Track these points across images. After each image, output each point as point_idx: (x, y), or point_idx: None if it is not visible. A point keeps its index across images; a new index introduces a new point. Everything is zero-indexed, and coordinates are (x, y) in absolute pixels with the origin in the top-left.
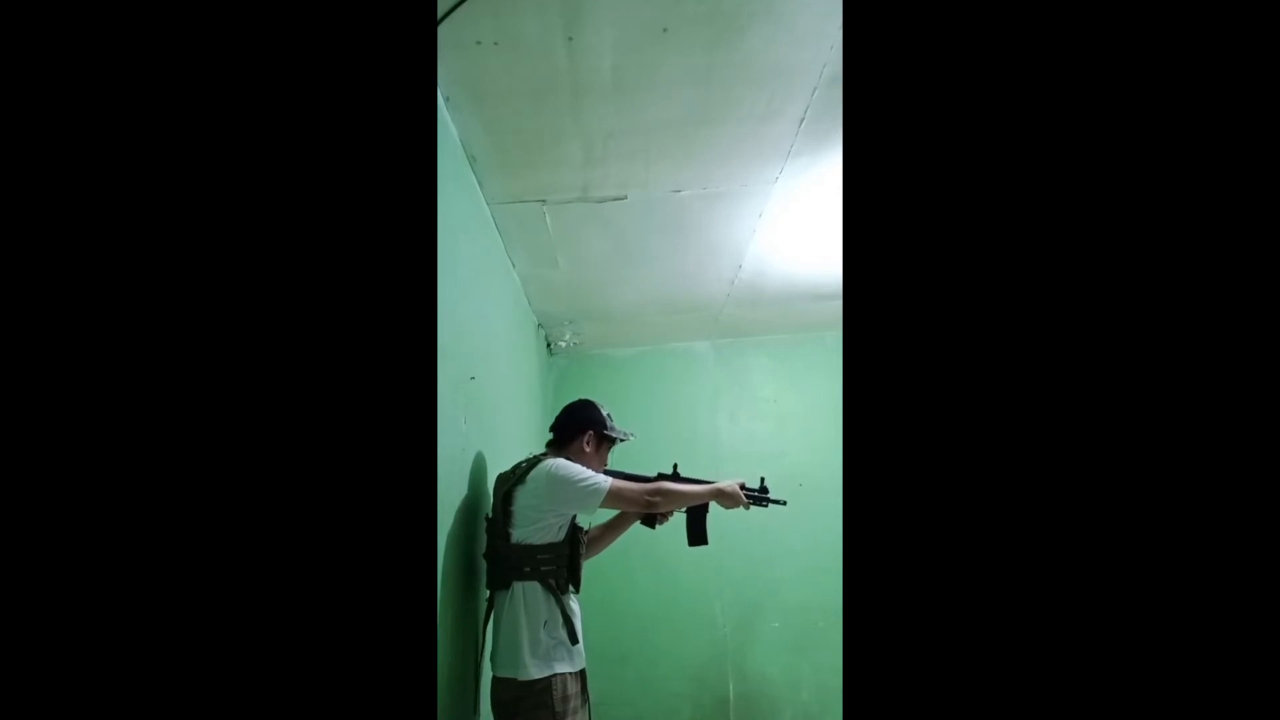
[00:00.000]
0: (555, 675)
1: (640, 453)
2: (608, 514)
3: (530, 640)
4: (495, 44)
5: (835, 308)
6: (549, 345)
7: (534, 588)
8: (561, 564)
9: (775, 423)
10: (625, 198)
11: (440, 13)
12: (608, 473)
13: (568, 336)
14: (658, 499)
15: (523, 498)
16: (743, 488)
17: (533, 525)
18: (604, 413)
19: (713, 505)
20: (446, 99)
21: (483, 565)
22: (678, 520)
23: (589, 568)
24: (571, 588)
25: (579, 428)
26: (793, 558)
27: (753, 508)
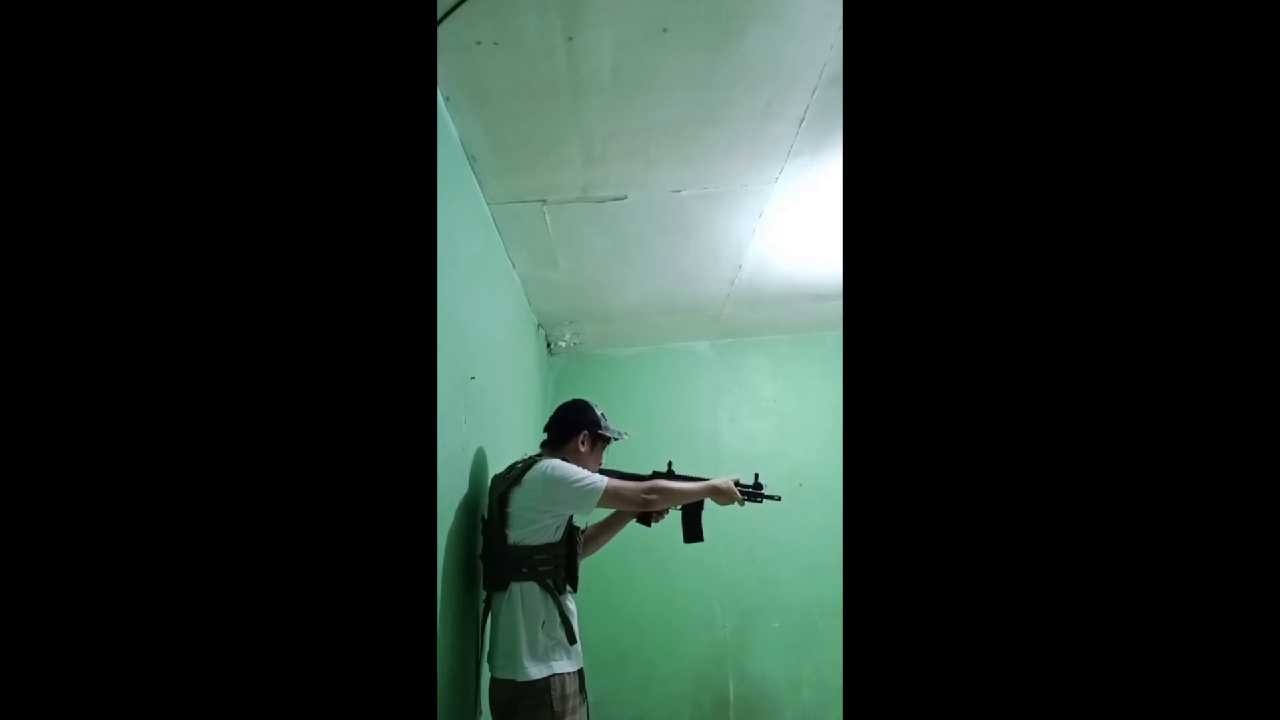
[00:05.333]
0: (554, 675)
1: (640, 453)
2: (604, 513)
3: (528, 641)
4: (495, 44)
5: (835, 308)
6: (549, 345)
7: (531, 588)
8: (559, 564)
9: (775, 423)
10: (625, 198)
11: (440, 13)
12: (603, 472)
13: (568, 336)
14: (654, 497)
15: (519, 499)
16: (737, 484)
17: (530, 526)
18: (598, 412)
19: (708, 502)
20: (446, 99)
21: (482, 565)
22: (676, 519)
23: (588, 568)
24: (569, 588)
25: (574, 428)
26: (793, 558)
27: (748, 504)
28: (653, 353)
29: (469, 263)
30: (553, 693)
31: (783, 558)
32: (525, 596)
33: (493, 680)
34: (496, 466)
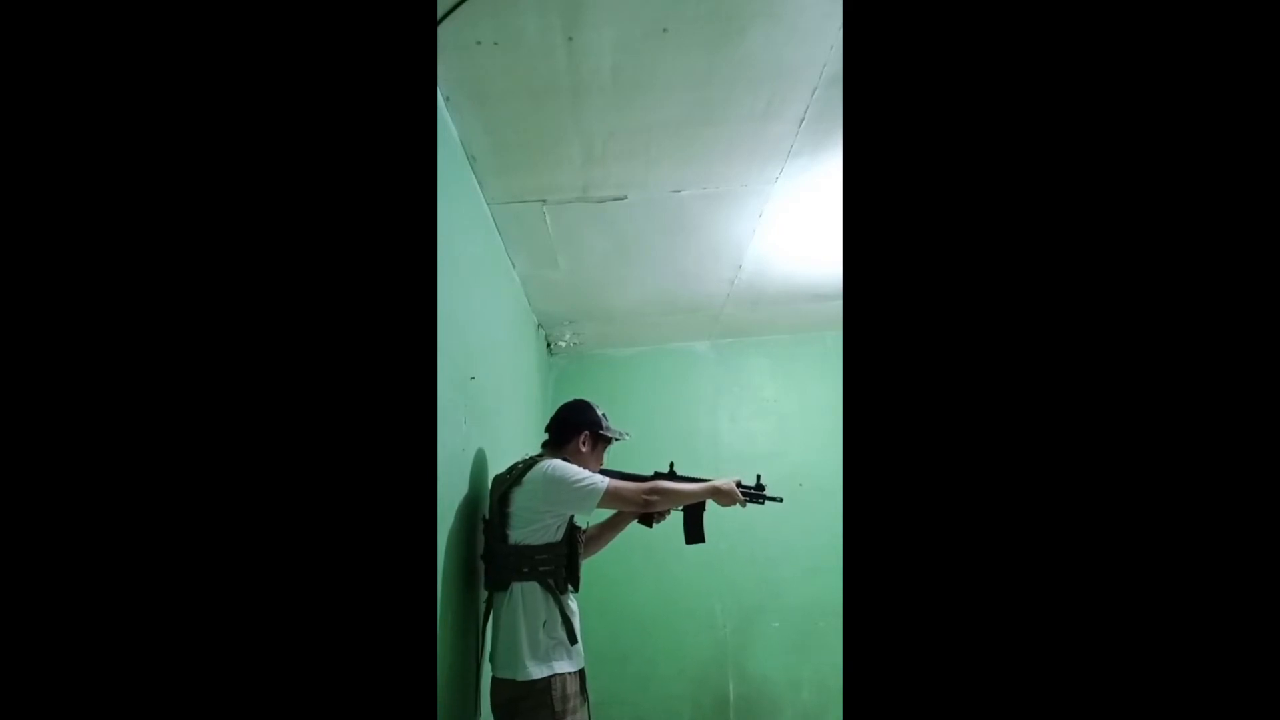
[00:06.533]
0: (555, 675)
1: (640, 453)
2: (605, 513)
3: (529, 641)
4: (495, 44)
5: (835, 308)
6: (549, 345)
7: (533, 588)
8: (560, 564)
9: (775, 423)
10: (625, 198)
11: (440, 13)
12: (604, 472)
13: (568, 336)
14: (655, 498)
15: (520, 499)
16: (739, 485)
17: (530, 526)
18: (599, 412)
19: (710, 503)
20: (446, 99)
21: (483, 565)
22: (677, 520)
23: (589, 568)
24: (570, 588)
25: (575, 428)
26: (793, 558)
27: (750, 505)
28: (653, 353)
29: (469, 263)
30: (553, 692)
31: (783, 558)
32: (526, 596)
33: (494, 680)
34: (497, 467)
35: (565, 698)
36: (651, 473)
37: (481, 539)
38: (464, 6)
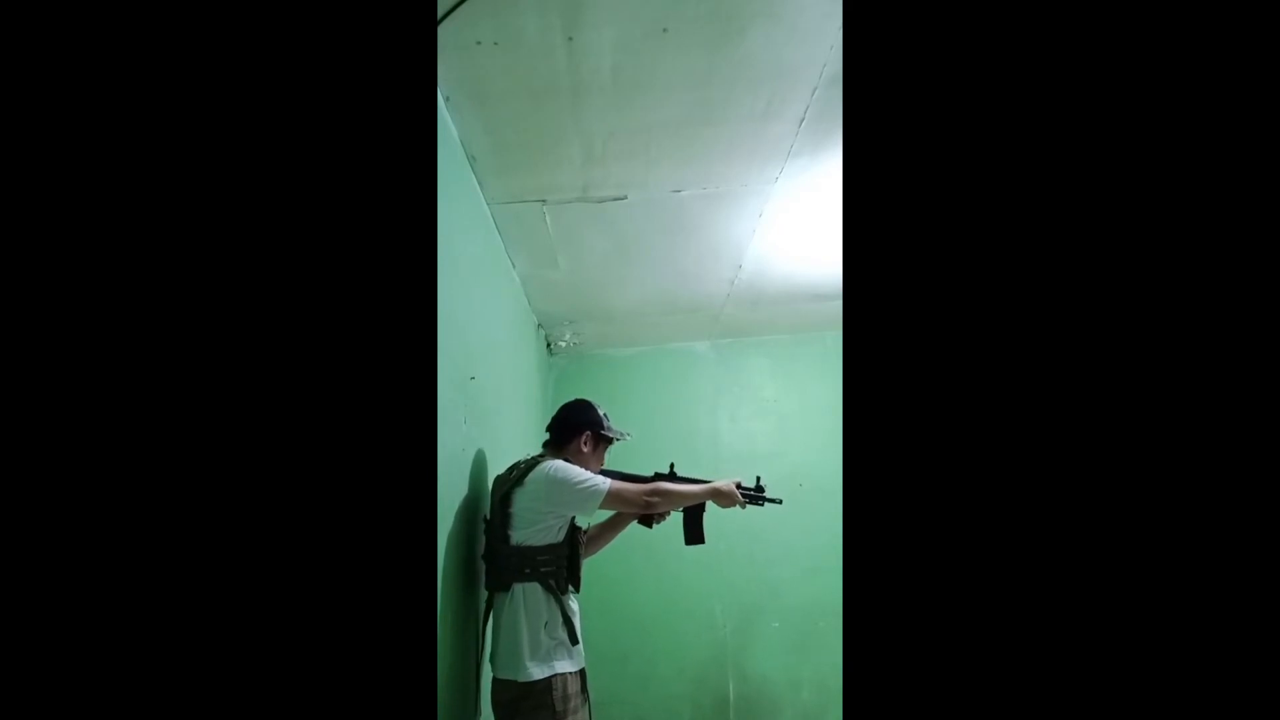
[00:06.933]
0: (556, 675)
1: (640, 453)
2: (606, 514)
3: (531, 641)
4: (495, 44)
5: (835, 308)
6: (549, 345)
7: (534, 589)
8: (561, 565)
9: (775, 423)
10: (625, 198)
11: (440, 13)
12: (605, 473)
13: (568, 336)
14: (656, 499)
15: (521, 500)
16: (739, 487)
17: (532, 527)
18: (600, 413)
19: (710, 504)
20: (446, 99)
21: (483, 565)
22: (677, 520)
23: (589, 568)
24: (571, 588)
25: (576, 428)
26: (793, 558)
27: (749, 507)
28: (653, 353)
29: (469, 263)
30: (554, 693)
31: (783, 558)
32: (527, 597)
33: (495, 680)
34: (497, 467)
35: (566, 698)
36: (652, 473)
37: (482, 539)
38: (464, 6)
